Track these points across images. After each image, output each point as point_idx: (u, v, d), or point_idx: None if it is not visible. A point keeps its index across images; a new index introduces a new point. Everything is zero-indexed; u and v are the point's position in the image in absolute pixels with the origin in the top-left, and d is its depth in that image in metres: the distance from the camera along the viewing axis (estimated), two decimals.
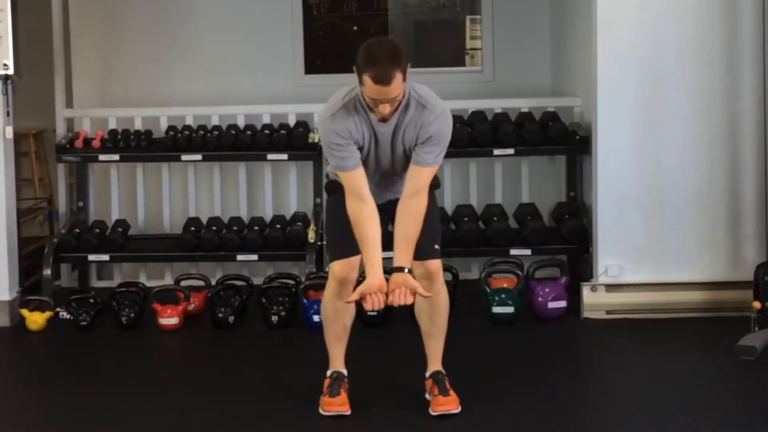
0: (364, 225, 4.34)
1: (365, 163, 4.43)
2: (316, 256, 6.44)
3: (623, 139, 6.09)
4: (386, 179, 4.52)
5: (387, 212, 4.70)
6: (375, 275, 4.31)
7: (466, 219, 6.63)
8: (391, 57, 4.18)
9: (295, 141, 6.80)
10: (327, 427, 4.50)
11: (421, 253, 4.51)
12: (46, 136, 8.66)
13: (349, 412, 4.55)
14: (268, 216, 6.97)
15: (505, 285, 6.09)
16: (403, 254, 4.34)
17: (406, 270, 4.32)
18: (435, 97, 4.39)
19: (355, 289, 4.43)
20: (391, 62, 4.17)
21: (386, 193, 4.56)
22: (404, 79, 4.21)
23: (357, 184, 4.36)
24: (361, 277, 6.04)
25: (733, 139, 6.09)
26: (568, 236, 6.50)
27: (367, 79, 4.19)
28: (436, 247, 4.53)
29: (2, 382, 5.46)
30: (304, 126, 6.90)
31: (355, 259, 4.52)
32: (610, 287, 6.10)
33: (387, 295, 4.31)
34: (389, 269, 4.36)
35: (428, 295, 4.40)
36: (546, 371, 5.20)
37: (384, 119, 4.31)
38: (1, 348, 5.95)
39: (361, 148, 4.39)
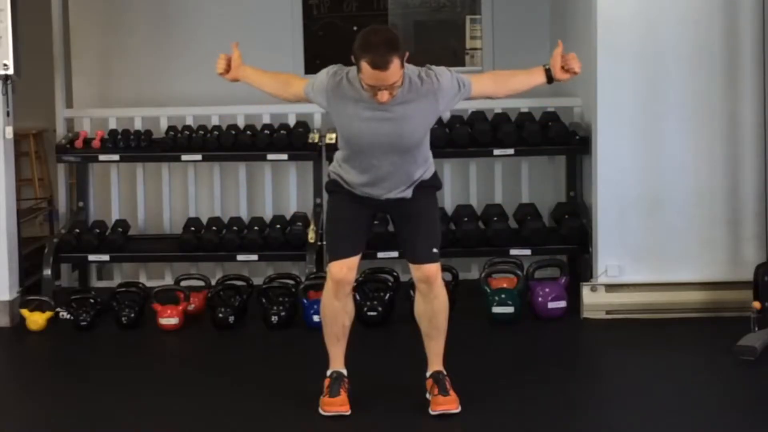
0: (275, 80, 4.84)
1: (361, 146, 4.42)
2: (316, 256, 6.44)
3: (623, 139, 6.09)
4: (390, 165, 4.45)
5: (388, 212, 4.70)
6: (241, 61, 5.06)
7: (466, 219, 6.63)
8: (388, 43, 4.19)
9: (295, 141, 6.80)
10: (327, 427, 4.50)
11: (419, 257, 4.52)
12: (46, 136, 8.66)
13: (349, 412, 4.55)
14: (268, 216, 6.97)
15: (505, 285, 6.09)
16: (534, 71, 4.59)
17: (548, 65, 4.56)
18: (419, 68, 4.43)
19: (355, 288, 4.41)
20: (387, 48, 4.18)
21: (392, 185, 4.50)
22: (402, 65, 4.22)
23: (295, 88, 4.63)
24: (360, 277, 6.09)
25: (733, 139, 6.09)
26: (568, 236, 6.50)
27: (364, 65, 4.20)
28: (435, 250, 4.53)
29: (2, 382, 5.47)
30: (304, 126, 6.90)
31: (352, 260, 4.52)
32: (610, 287, 6.10)
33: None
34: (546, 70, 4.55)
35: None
36: (546, 371, 5.20)
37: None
38: (1, 348, 5.95)
39: (348, 131, 4.42)
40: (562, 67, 4.53)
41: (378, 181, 4.50)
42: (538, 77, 4.58)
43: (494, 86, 4.61)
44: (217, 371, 5.32)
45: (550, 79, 4.56)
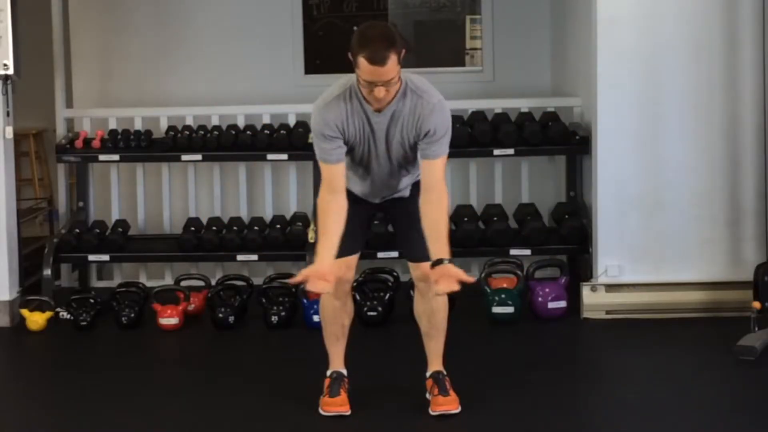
0: (329, 218, 4.32)
1: (361, 159, 4.42)
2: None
3: (623, 139, 6.09)
4: (384, 175, 4.49)
5: (385, 211, 4.70)
6: (321, 262, 4.26)
7: (466, 219, 6.62)
8: (385, 38, 4.17)
9: (295, 141, 6.80)
10: (327, 427, 4.50)
11: (418, 255, 4.50)
12: (46, 136, 8.67)
13: (349, 412, 4.55)
14: (268, 216, 6.97)
15: (505, 285, 6.09)
16: (437, 248, 4.28)
17: (446, 261, 4.24)
18: (431, 87, 4.38)
19: (356, 286, 4.41)
20: (384, 43, 4.15)
21: (384, 190, 4.54)
22: (399, 61, 4.20)
23: (334, 177, 4.34)
24: (360, 277, 6.09)
25: (733, 139, 6.09)
26: (568, 236, 6.50)
27: (361, 60, 4.17)
28: None
29: (2, 382, 5.47)
30: (304, 126, 6.89)
31: (350, 259, 4.52)
32: (610, 287, 6.10)
33: (327, 280, 4.23)
34: (432, 262, 4.25)
35: (472, 280, 4.32)
36: (546, 371, 5.19)
37: (379, 109, 4.31)
38: (1, 348, 5.95)
39: (352, 147, 4.38)
40: (439, 279, 4.21)
41: (375, 189, 4.52)
42: (433, 251, 4.26)
43: (428, 191, 4.32)
44: (217, 371, 5.32)
45: (432, 265, 4.26)
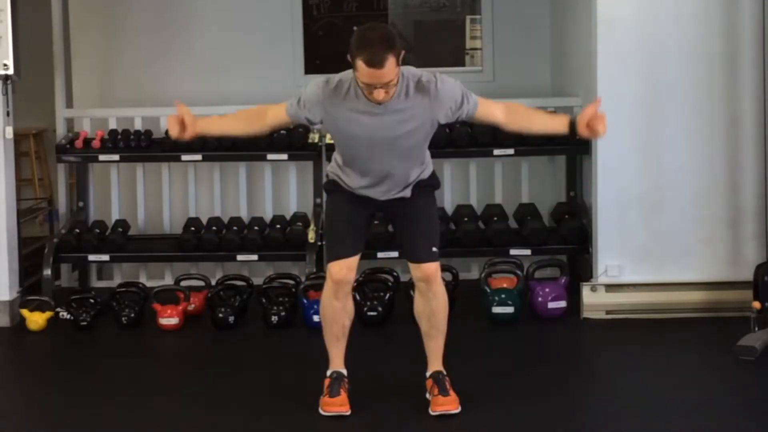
0: (238, 115, 4.62)
1: (360, 152, 4.42)
2: (316, 256, 6.44)
3: (623, 139, 6.08)
4: (391, 171, 4.46)
5: (387, 212, 4.70)
6: (189, 112, 4.47)
7: (466, 219, 6.63)
8: (384, 40, 4.18)
9: (295, 141, 6.80)
10: (327, 427, 4.50)
11: (419, 255, 4.51)
12: (46, 136, 8.67)
13: (349, 412, 4.55)
14: (268, 216, 6.98)
15: (505, 285, 6.09)
16: (556, 119, 4.58)
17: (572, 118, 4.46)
18: (421, 72, 4.40)
19: (355, 288, 4.41)
20: (383, 45, 4.16)
21: (391, 186, 4.52)
22: (398, 63, 4.21)
23: (272, 112, 4.53)
24: (360, 277, 6.09)
25: (733, 139, 6.09)
26: (568, 236, 6.50)
27: (360, 63, 4.18)
28: (434, 249, 4.53)
29: (2, 382, 5.47)
30: (304, 126, 6.86)
31: (352, 260, 4.52)
32: (610, 287, 6.10)
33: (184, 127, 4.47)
34: (570, 123, 4.43)
35: (599, 100, 4.49)
36: (546, 371, 5.20)
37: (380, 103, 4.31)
38: (1, 348, 5.95)
39: (345, 140, 4.42)
40: (588, 124, 4.37)
41: (376, 185, 4.51)
42: (559, 126, 4.49)
43: (505, 116, 4.48)
44: (217, 371, 5.31)
45: (573, 132, 4.42)
